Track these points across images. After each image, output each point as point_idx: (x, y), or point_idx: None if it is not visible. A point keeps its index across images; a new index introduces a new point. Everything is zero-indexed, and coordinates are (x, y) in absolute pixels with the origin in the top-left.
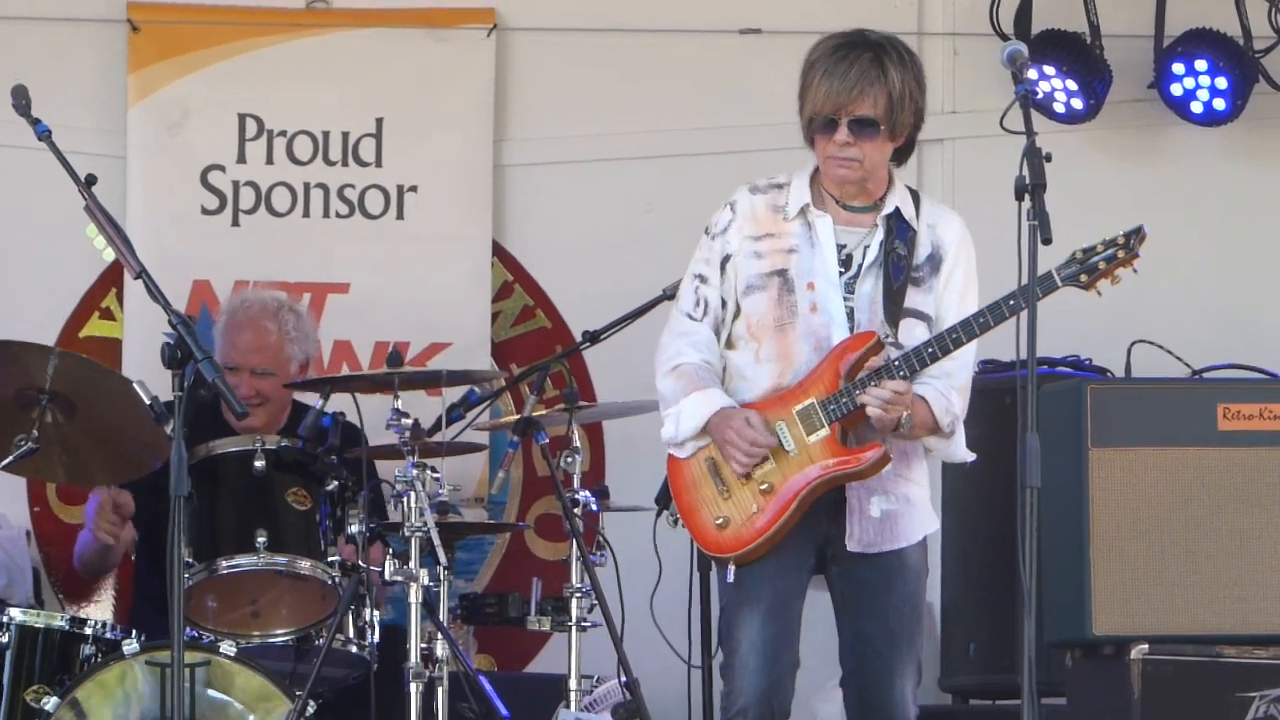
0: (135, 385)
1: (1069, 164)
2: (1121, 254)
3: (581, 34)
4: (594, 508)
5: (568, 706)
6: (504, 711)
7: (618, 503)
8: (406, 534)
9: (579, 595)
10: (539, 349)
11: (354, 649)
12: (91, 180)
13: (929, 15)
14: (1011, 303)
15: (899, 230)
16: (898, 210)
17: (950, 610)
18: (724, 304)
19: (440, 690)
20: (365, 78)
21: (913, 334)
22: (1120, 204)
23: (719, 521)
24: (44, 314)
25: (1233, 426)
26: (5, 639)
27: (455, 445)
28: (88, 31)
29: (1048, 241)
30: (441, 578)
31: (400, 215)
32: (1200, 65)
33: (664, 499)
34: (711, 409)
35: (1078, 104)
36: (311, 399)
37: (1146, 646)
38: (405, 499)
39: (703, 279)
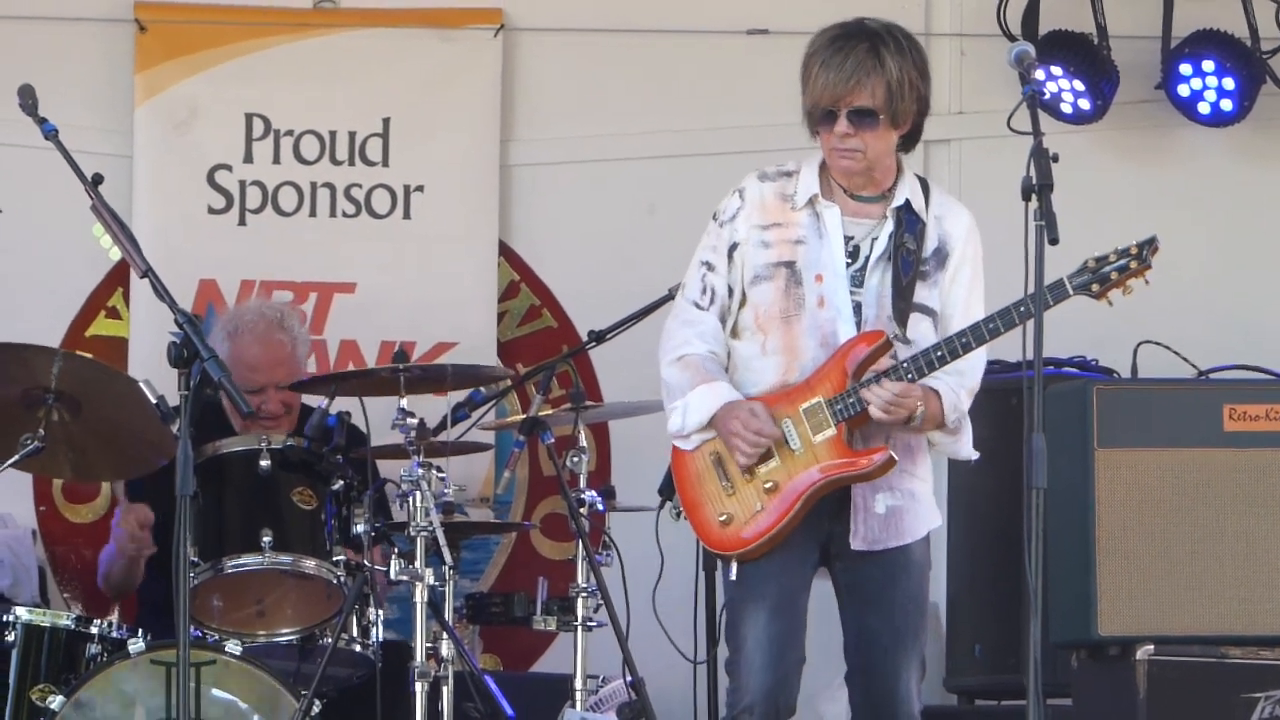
0: (141, 384)
1: (1076, 164)
2: (1134, 264)
3: (588, 34)
4: (600, 507)
5: (573, 706)
6: (509, 711)
7: (624, 502)
8: (412, 534)
9: (585, 595)
10: (545, 349)
11: (359, 648)
12: (98, 179)
13: (936, 16)
14: (1022, 309)
15: (908, 223)
16: (907, 202)
17: (956, 610)
18: (730, 292)
19: (445, 690)
20: (372, 78)
21: (919, 329)
22: (1127, 204)
23: (722, 518)
24: (50, 313)
25: (1239, 427)
26: (11, 638)
27: (461, 445)
28: (95, 31)
29: (1055, 242)
30: (447, 577)
31: (407, 215)
32: (1207, 66)
33: (667, 490)
34: (718, 402)
35: (1085, 104)
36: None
37: (1152, 647)
38: (411, 498)
39: (710, 266)
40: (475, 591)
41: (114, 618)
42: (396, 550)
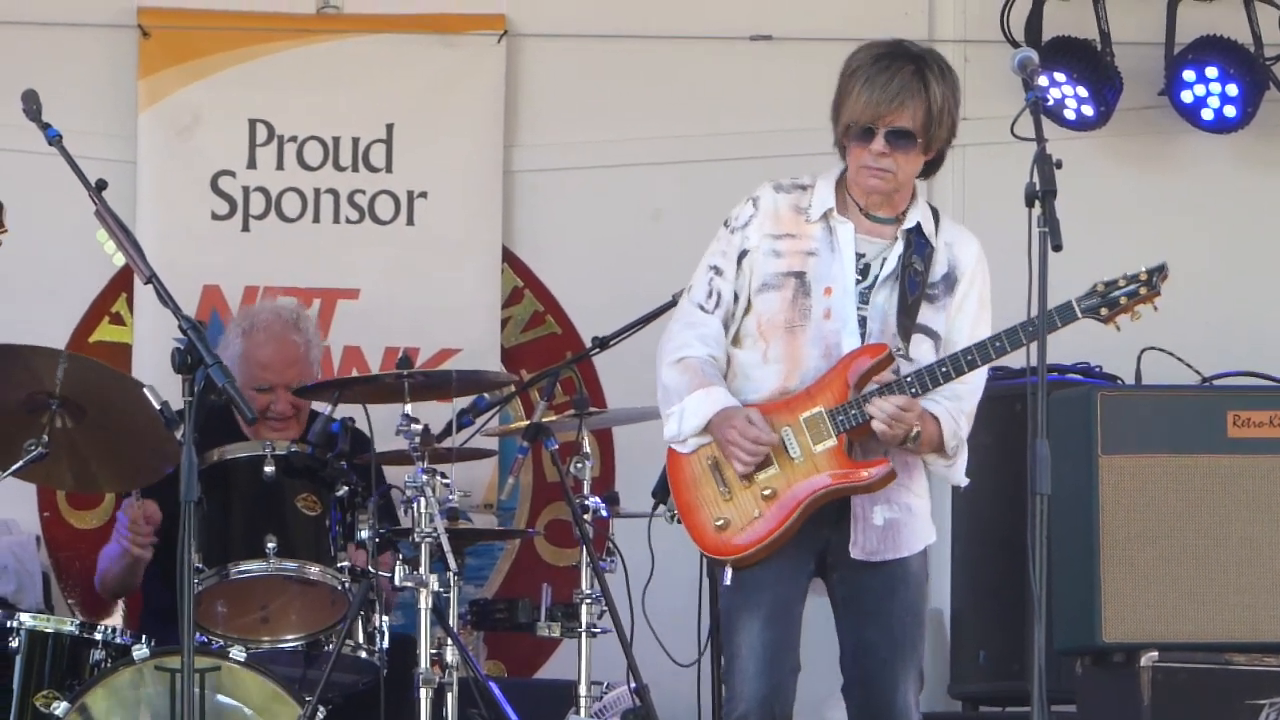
0: (145, 390)
1: (1079, 171)
2: (1144, 290)
3: (592, 40)
4: (604, 514)
5: (577, 713)
6: (514, 717)
7: (627, 509)
8: (416, 540)
9: (589, 601)
10: (549, 355)
11: (363, 654)
12: (102, 185)
13: (940, 22)
14: (1030, 329)
15: (917, 246)
16: (918, 225)
17: (960, 617)
18: (736, 298)
19: (450, 696)
20: (376, 83)
21: (920, 349)
22: (1131, 211)
23: (719, 523)
24: (54, 319)
25: (1243, 434)
26: (15, 644)
27: (465, 451)
28: (98, 37)
29: (1058, 248)
30: (451, 583)
31: (410, 221)
32: (1211, 72)
33: (661, 493)
34: (714, 407)
35: (1088, 111)
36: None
37: (1156, 654)
38: (415, 505)
39: (718, 271)
40: (479, 598)
41: (118, 624)
42: (401, 556)
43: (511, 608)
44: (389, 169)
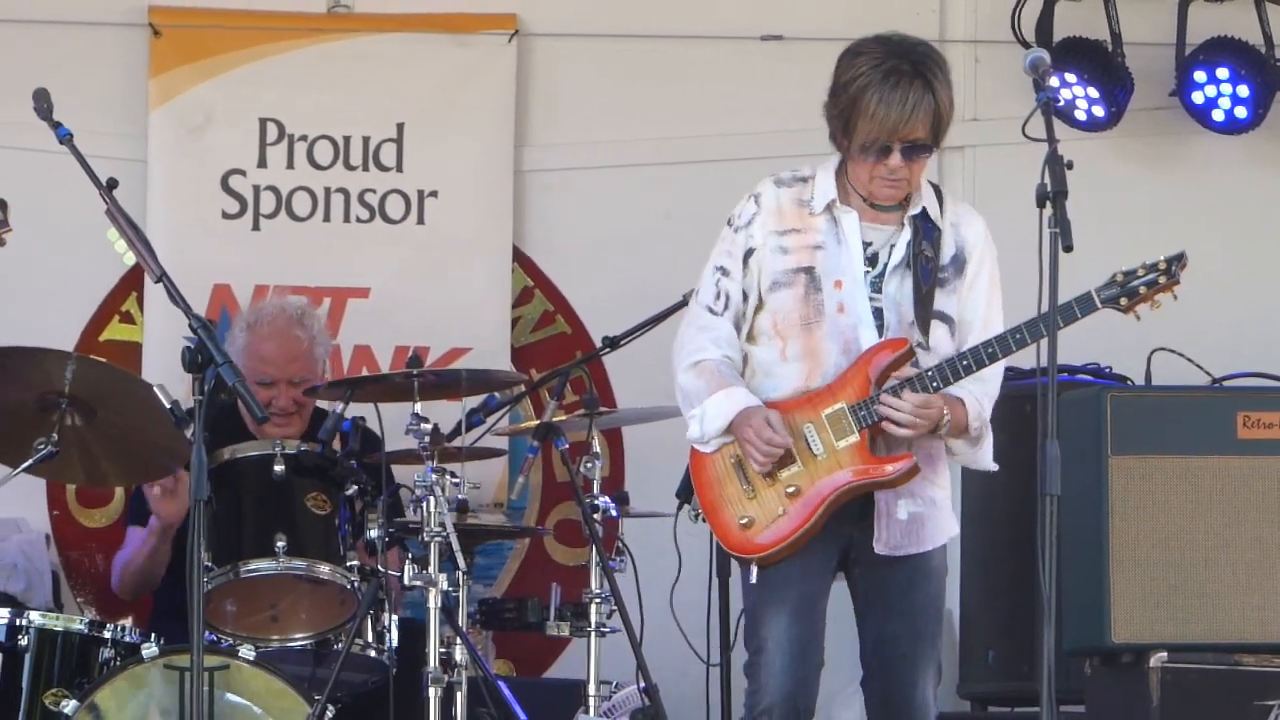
0: (156, 389)
1: (1090, 171)
2: (1163, 279)
3: (602, 40)
4: (613, 513)
5: (587, 712)
6: (523, 717)
7: (637, 508)
8: (426, 539)
9: (598, 600)
10: (559, 354)
11: (372, 653)
12: (113, 184)
13: (951, 22)
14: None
15: (925, 231)
16: (924, 210)
17: (969, 617)
18: (745, 297)
19: (459, 695)
20: (386, 83)
21: (937, 336)
22: (1141, 212)
23: (743, 521)
24: (64, 317)
25: (1253, 435)
26: (25, 642)
27: (475, 450)
28: (109, 35)
29: (1069, 249)
30: (461, 583)
31: (421, 220)
32: (1222, 73)
33: (685, 493)
34: (735, 408)
35: (1099, 111)
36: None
37: (1165, 654)
38: (425, 504)
39: (724, 271)
40: (489, 597)
41: (127, 622)
42: (410, 555)
43: (521, 607)
44: (399, 168)
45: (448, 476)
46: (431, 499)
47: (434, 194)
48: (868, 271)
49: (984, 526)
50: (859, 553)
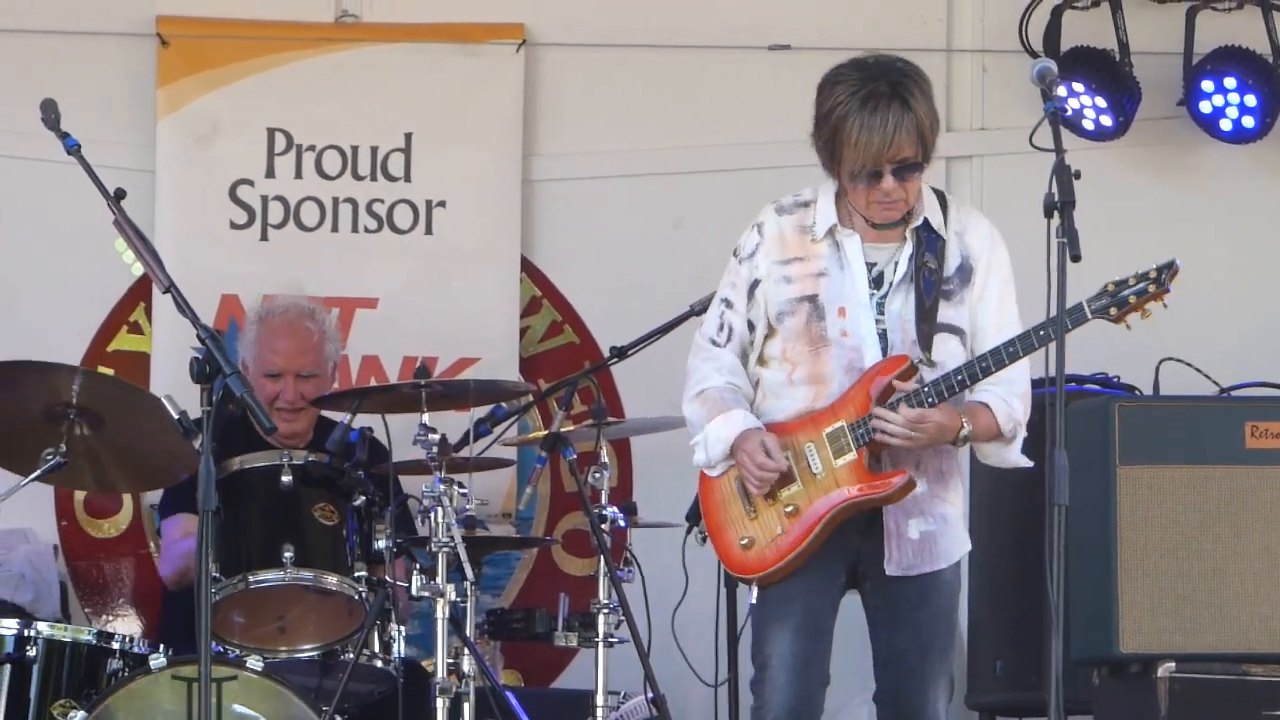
0: (163, 400)
1: (1098, 181)
2: (1152, 288)
3: (610, 50)
4: (621, 523)
5: None
6: None
7: (645, 518)
8: (434, 549)
9: (606, 611)
10: (567, 364)
11: (380, 664)
12: (120, 194)
13: (958, 32)
14: (1042, 333)
15: (928, 242)
16: (926, 221)
17: (977, 627)
18: (751, 328)
19: (467, 706)
20: (394, 93)
21: (945, 348)
22: (1149, 221)
23: (744, 541)
24: (72, 328)
25: (1261, 444)
26: (33, 653)
27: (483, 460)
28: (117, 45)
29: (1077, 259)
30: (469, 593)
31: (429, 230)
32: (1229, 83)
33: (694, 515)
34: (734, 431)
35: (1107, 121)
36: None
37: (1173, 664)
38: (432, 514)
39: (729, 304)
40: (497, 607)
41: (136, 633)
42: (418, 566)
43: (529, 617)
44: (407, 178)
45: (455, 487)
46: (439, 509)
47: (442, 204)
48: (873, 293)
49: (992, 536)
50: (868, 568)
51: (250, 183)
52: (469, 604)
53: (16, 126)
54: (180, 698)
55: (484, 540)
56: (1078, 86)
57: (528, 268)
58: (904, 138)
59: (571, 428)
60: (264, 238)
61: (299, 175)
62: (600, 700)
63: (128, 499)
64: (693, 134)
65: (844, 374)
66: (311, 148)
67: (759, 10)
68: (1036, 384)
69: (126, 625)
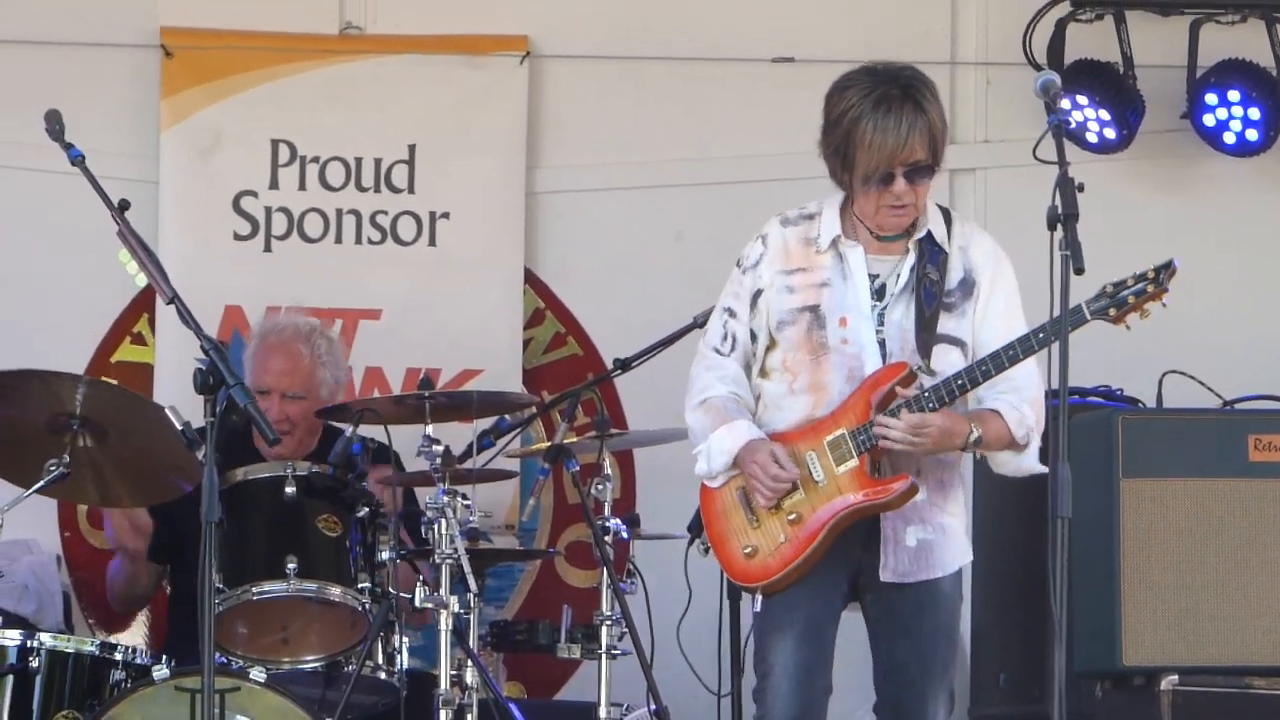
0: (167, 411)
1: (1102, 194)
2: (1151, 288)
3: (614, 62)
4: (624, 535)
5: None
6: None
7: (648, 530)
8: (437, 561)
9: (609, 623)
10: (570, 376)
11: (383, 675)
12: (124, 205)
13: (962, 45)
14: (1041, 335)
15: (931, 254)
16: (929, 233)
17: (981, 639)
18: (753, 338)
19: (470, 717)
20: (398, 104)
21: (946, 359)
22: (1153, 234)
23: (747, 551)
24: (76, 338)
25: (1264, 457)
26: (36, 663)
27: (486, 472)
28: (121, 56)
29: (1080, 271)
30: (472, 604)
31: (432, 242)
32: (1233, 96)
33: (696, 527)
34: (738, 442)
35: (1110, 134)
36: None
37: (1177, 677)
38: (436, 526)
39: (731, 313)
40: (500, 619)
41: (139, 644)
42: (421, 578)
43: (532, 629)
44: (411, 190)
45: (459, 499)
46: (442, 521)
47: (445, 215)
48: (874, 305)
49: (995, 549)
50: (868, 578)
51: (254, 194)
52: (472, 615)
53: (20, 137)
54: (183, 709)
55: (487, 552)
56: (1081, 99)
57: (531, 279)
58: (917, 139)
59: (575, 439)
60: (267, 249)
61: (303, 187)
62: (603, 712)
63: None
64: (696, 146)
65: (844, 382)
66: (315, 159)
67: (763, 23)
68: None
69: (130, 636)
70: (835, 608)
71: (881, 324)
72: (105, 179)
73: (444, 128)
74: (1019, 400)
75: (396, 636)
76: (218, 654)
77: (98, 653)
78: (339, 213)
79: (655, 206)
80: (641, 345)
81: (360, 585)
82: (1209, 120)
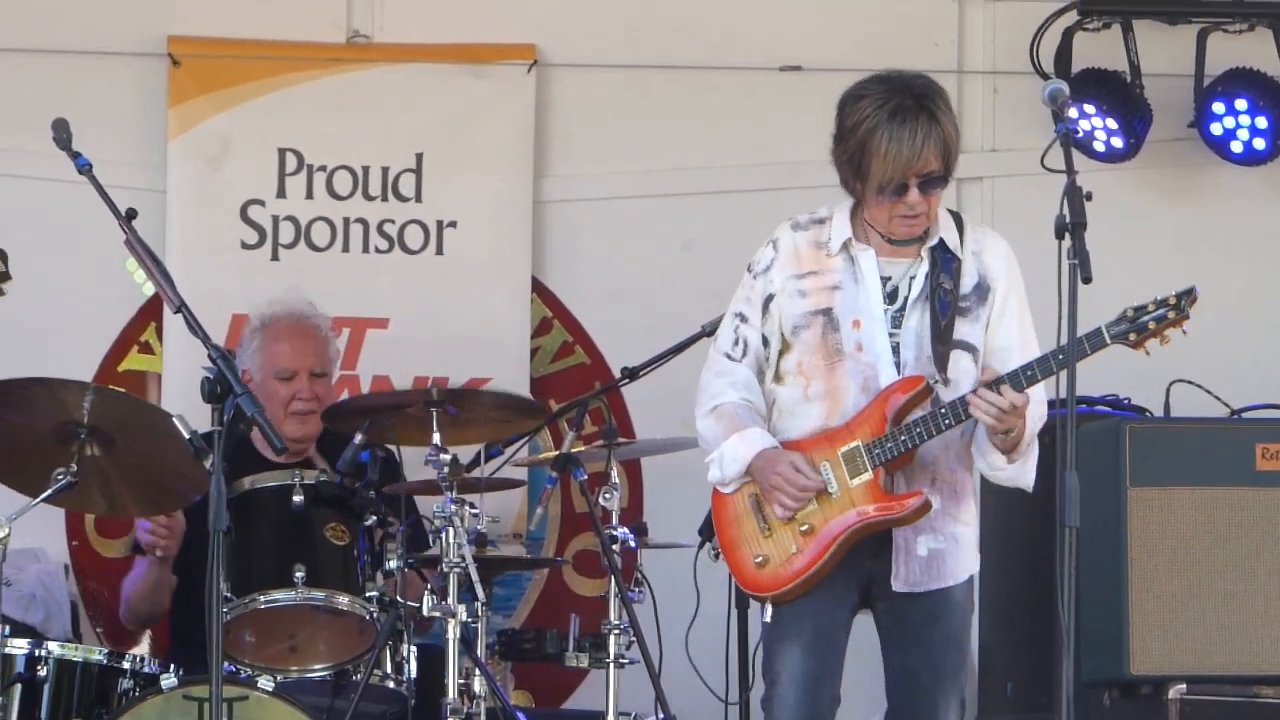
0: (175, 419)
1: (1109, 203)
2: (1172, 314)
3: (621, 70)
4: (632, 544)
5: None
6: None
7: (656, 539)
8: (445, 569)
9: (617, 632)
10: (578, 385)
11: (391, 684)
12: (132, 214)
13: (969, 54)
14: (1060, 358)
15: (943, 262)
16: (941, 241)
17: (988, 649)
18: (765, 343)
19: None
20: (405, 113)
21: (959, 366)
22: (1160, 243)
23: (758, 560)
24: (83, 347)
25: (1271, 466)
26: (43, 672)
27: (494, 481)
28: (128, 65)
29: (1088, 280)
30: (479, 613)
31: (440, 251)
32: (1240, 105)
33: (707, 531)
34: (752, 451)
35: (1118, 143)
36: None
37: (1184, 686)
38: (444, 535)
39: (743, 318)
40: (508, 628)
41: (146, 653)
42: (429, 586)
43: (539, 638)
44: (418, 199)
45: (467, 507)
46: (450, 530)
47: (453, 224)
48: (887, 308)
49: (1003, 558)
50: (879, 588)
51: (261, 203)
52: (480, 624)
53: (28, 146)
54: (191, 718)
55: (495, 561)
56: (1089, 108)
57: (538, 288)
58: (931, 150)
59: (582, 448)
60: (275, 258)
61: (310, 195)
62: None
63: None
64: (704, 155)
65: (859, 391)
66: (323, 168)
67: (770, 31)
68: (1048, 406)
69: (138, 646)
70: (845, 618)
71: (895, 327)
72: (112, 188)
73: (451, 137)
74: (1029, 414)
75: (404, 645)
76: (225, 663)
77: (106, 661)
78: (346, 221)
79: (662, 215)
80: (649, 354)
81: (368, 594)
82: (1216, 129)
